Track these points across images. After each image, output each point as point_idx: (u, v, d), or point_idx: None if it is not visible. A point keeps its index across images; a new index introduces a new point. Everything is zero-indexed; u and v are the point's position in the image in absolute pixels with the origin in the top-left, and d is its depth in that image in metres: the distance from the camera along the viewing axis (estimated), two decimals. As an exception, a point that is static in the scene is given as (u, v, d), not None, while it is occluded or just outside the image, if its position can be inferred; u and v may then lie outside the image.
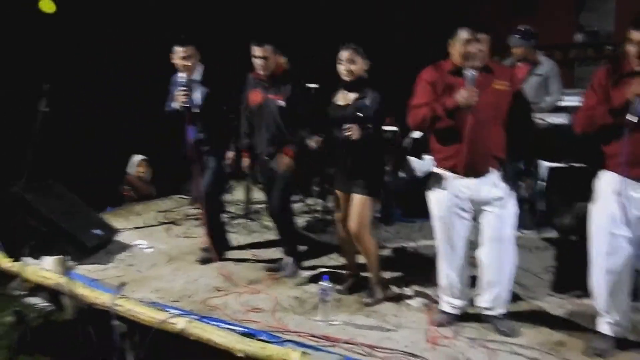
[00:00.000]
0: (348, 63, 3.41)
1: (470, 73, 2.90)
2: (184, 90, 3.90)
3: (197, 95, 4.01)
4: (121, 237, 4.64)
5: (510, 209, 3.04)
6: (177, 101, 3.94)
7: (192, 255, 4.30)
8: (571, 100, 4.65)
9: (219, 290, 3.66)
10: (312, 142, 3.68)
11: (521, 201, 4.81)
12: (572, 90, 4.91)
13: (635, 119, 2.54)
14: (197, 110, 3.99)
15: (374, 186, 3.49)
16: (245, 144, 4.09)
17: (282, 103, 3.76)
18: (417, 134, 6.05)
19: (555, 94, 4.48)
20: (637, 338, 2.96)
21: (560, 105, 4.63)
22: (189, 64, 3.96)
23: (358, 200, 3.45)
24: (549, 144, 4.37)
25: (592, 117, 2.72)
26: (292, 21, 6.57)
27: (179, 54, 3.95)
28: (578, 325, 3.14)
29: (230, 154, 4.21)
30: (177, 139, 4.16)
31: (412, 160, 5.34)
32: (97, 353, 3.21)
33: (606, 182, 2.77)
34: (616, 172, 2.69)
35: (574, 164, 4.16)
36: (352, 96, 3.47)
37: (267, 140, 3.87)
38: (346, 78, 3.45)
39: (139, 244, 4.54)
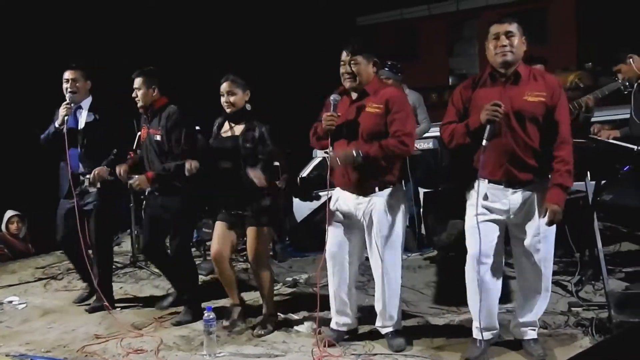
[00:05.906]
0: (228, 95, 3.43)
1: (332, 98, 3.04)
2: (68, 104, 3.77)
3: (82, 119, 3.89)
4: (-11, 297, 4.29)
5: (395, 228, 3.06)
6: (60, 114, 3.77)
7: (71, 307, 4.04)
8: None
9: (98, 337, 3.45)
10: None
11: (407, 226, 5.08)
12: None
13: (486, 143, 2.76)
14: (80, 130, 3.85)
15: (268, 216, 3.45)
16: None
17: (158, 137, 3.68)
18: (305, 172, 6.24)
19: (424, 122, 4.80)
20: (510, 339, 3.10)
21: (430, 135, 4.96)
22: (74, 88, 3.84)
23: (252, 232, 3.41)
24: (421, 169, 4.66)
25: (453, 135, 2.93)
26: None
27: (65, 76, 3.86)
28: (457, 333, 3.27)
29: None
30: (55, 189, 3.96)
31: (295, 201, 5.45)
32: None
33: (473, 190, 2.92)
34: (480, 179, 2.86)
35: (445, 186, 4.44)
36: (240, 128, 3.46)
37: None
38: (227, 110, 3.46)
39: (10, 301, 4.20)
